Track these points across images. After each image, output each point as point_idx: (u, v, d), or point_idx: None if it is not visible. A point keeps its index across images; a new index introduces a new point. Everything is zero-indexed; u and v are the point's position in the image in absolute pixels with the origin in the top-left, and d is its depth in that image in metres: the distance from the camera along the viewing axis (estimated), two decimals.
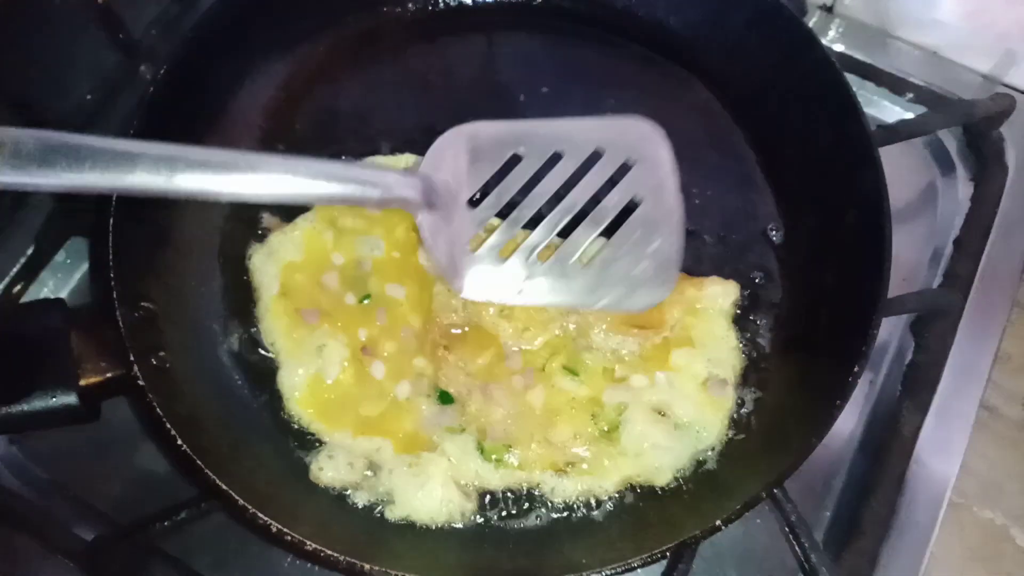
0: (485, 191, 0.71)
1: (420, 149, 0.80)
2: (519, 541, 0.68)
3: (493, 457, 0.69)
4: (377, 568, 0.60)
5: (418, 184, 0.67)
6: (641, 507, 0.70)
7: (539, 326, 0.74)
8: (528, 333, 0.73)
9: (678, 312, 0.74)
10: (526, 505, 0.70)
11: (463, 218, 0.70)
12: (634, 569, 0.62)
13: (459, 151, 0.70)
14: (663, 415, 0.71)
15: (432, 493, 0.68)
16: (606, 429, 0.71)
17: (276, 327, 0.73)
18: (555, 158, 0.70)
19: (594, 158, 0.70)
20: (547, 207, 0.70)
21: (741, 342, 0.76)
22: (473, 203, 0.71)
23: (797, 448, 0.64)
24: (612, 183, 0.71)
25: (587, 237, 0.70)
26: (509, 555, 0.67)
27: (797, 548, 0.70)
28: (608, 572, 0.60)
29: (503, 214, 0.71)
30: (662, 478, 0.70)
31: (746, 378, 0.75)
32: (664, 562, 0.69)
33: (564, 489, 0.69)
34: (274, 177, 0.61)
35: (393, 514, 0.68)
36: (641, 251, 0.70)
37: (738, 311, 0.77)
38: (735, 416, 0.73)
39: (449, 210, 0.69)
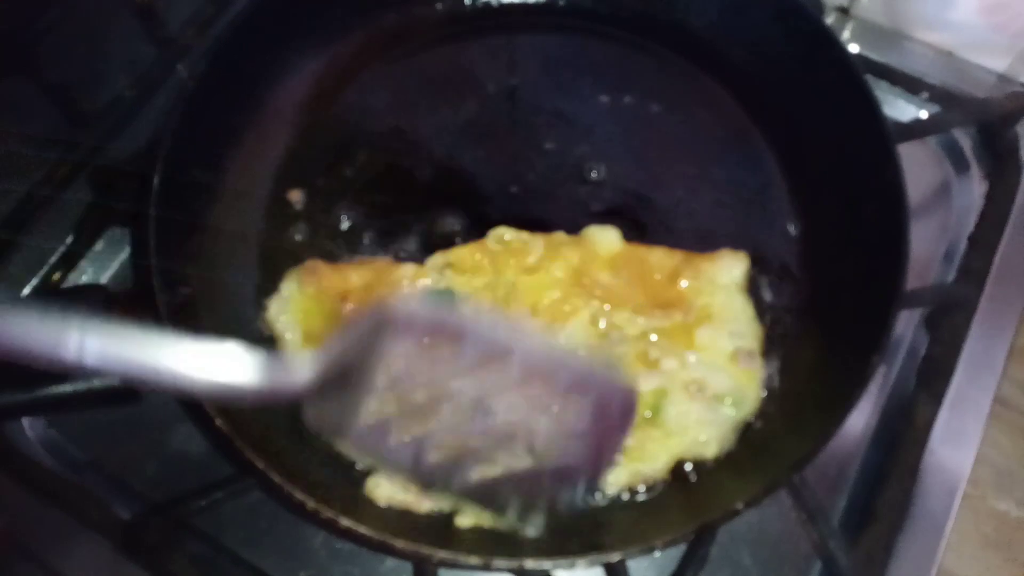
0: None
1: (446, 148, 0.83)
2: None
3: None
4: (409, 546, 0.62)
5: (314, 375, 0.53)
6: (663, 491, 0.71)
7: (564, 318, 0.75)
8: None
9: (695, 288, 0.77)
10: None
11: (360, 403, 0.55)
12: (653, 551, 0.63)
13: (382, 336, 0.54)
14: (700, 391, 0.73)
15: None
16: (649, 415, 0.73)
17: None
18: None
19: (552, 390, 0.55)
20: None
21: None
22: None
23: (816, 435, 0.66)
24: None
25: (491, 466, 0.56)
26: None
27: (815, 535, 0.71)
28: (632, 552, 0.62)
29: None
30: (710, 451, 0.72)
31: (764, 365, 0.76)
32: (684, 545, 0.71)
33: (618, 478, 0.70)
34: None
35: (463, 523, 0.68)
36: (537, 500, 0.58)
37: (755, 303, 0.79)
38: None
39: (346, 398, 0.55)
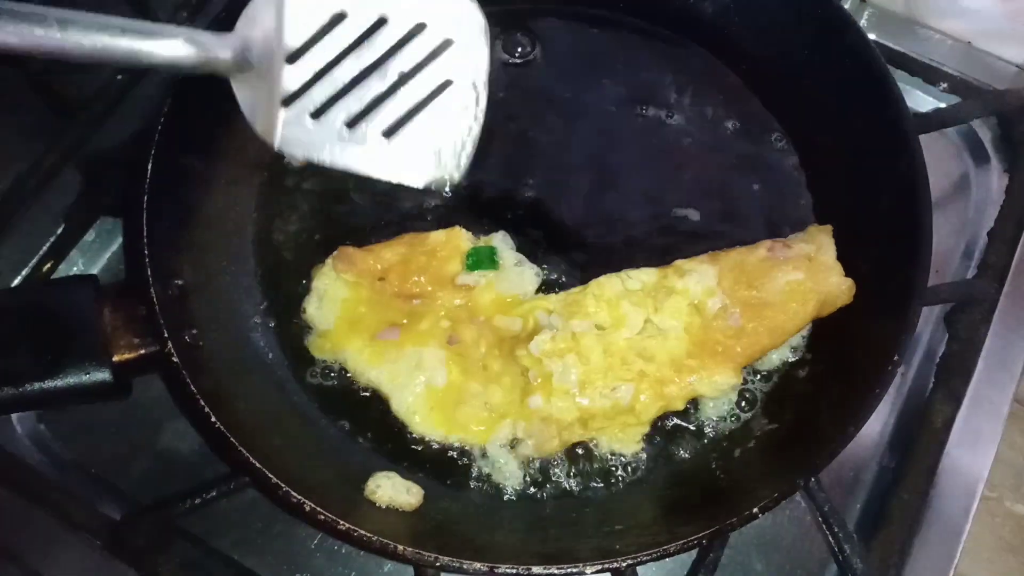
0: (305, 50, 0.68)
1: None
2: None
3: None
4: (411, 550, 0.59)
5: (235, 43, 0.65)
6: (677, 492, 0.69)
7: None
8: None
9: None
10: None
11: (280, 76, 0.68)
12: (667, 556, 0.61)
13: (278, 7, 0.68)
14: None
15: None
16: None
17: (361, 361, 0.72)
18: (378, 23, 0.68)
19: (417, 30, 0.68)
20: (363, 73, 0.68)
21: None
22: (292, 60, 0.68)
23: (833, 437, 0.64)
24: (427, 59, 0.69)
25: (395, 111, 0.69)
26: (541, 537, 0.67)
27: (830, 538, 0.69)
28: (643, 558, 0.60)
29: (321, 75, 0.68)
30: None
31: (780, 368, 0.74)
32: (694, 550, 0.69)
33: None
34: (83, 33, 0.60)
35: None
36: (441, 132, 0.69)
37: None
38: (769, 406, 0.73)
39: (266, 69, 0.67)
